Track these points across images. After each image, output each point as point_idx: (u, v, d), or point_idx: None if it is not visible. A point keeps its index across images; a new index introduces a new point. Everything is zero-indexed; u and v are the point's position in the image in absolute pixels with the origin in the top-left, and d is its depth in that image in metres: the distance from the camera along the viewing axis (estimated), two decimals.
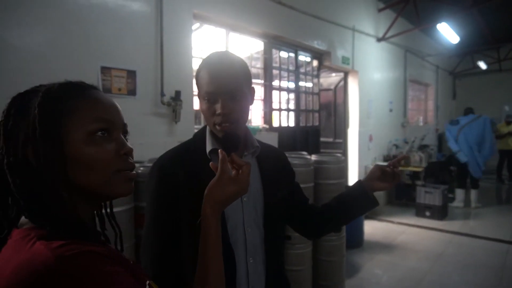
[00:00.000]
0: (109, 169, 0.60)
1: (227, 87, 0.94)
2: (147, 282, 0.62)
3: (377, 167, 1.17)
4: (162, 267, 0.98)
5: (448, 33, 6.39)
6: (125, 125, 0.66)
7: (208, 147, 1.02)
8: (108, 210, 0.71)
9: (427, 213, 5.44)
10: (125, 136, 0.65)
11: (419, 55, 7.89)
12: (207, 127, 1.06)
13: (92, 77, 2.32)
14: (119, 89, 2.47)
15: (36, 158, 0.55)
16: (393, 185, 1.16)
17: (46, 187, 0.56)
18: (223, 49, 1.07)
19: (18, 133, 0.56)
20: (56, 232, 0.54)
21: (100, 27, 2.36)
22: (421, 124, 8.70)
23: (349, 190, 1.21)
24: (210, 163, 0.84)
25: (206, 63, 0.98)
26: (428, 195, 5.43)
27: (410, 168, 6.19)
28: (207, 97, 0.95)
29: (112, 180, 0.60)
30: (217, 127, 0.96)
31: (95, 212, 0.69)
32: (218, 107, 0.94)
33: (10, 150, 0.56)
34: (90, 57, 2.31)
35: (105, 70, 2.38)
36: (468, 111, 6.25)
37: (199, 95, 1.00)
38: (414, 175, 6.25)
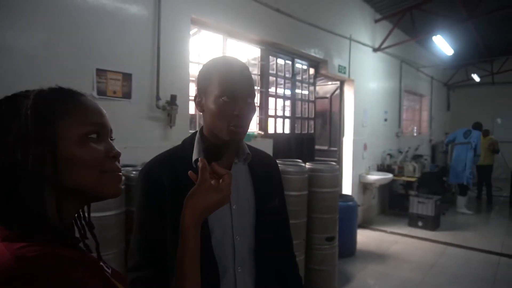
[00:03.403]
0: (99, 169, 0.62)
1: (248, 89, 0.96)
2: None
3: None
4: (147, 272, 0.97)
5: (443, 45, 6.47)
6: (111, 131, 0.68)
7: (194, 156, 1.01)
8: (87, 215, 0.70)
9: (420, 223, 5.46)
10: (111, 141, 0.68)
11: (414, 66, 7.97)
12: (197, 135, 1.05)
13: (87, 80, 2.30)
14: (114, 92, 2.45)
15: (25, 159, 0.56)
16: None
17: (28, 187, 0.56)
18: (229, 56, 1.06)
19: (6, 135, 0.57)
20: (25, 233, 0.53)
21: (97, 30, 2.34)
22: (415, 134, 8.76)
23: None
24: (189, 172, 0.83)
25: (222, 65, 0.98)
26: (421, 205, 5.46)
27: (404, 178, 6.22)
28: (226, 99, 0.93)
29: (102, 179, 0.62)
30: (232, 128, 0.94)
31: (75, 218, 0.68)
32: (236, 110, 0.93)
33: None
34: (86, 59, 2.29)
35: (100, 72, 2.36)
36: (477, 126, 6.89)
37: (209, 95, 0.97)
38: (408, 185, 6.28)
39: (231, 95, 0.94)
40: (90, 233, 0.70)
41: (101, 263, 0.68)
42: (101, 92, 2.37)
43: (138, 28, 2.60)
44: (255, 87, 3.89)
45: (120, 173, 0.67)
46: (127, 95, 2.53)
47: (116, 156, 0.66)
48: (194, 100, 1.03)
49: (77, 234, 0.69)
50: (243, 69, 0.98)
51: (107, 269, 0.68)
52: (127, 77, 2.52)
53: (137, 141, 2.57)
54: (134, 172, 2.15)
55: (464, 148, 6.62)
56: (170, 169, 1.00)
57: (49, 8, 2.11)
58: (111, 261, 1.86)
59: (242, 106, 0.94)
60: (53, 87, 0.64)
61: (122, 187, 2.05)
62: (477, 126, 6.88)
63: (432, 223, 5.39)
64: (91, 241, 0.70)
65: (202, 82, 0.99)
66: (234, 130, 0.95)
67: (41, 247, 0.51)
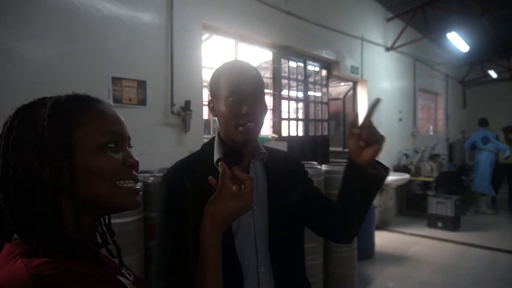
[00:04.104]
0: (116, 178, 0.60)
1: (254, 88, 0.98)
2: None
3: (352, 138, 0.98)
4: (171, 278, 0.97)
5: (458, 42, 6.35)
6: (129, 138, 0.67)
7: (216, 157, 1.02)
8: (107, 223, 0.70)
9: (439, 224, 5.34)
10: (129, 149, 0.66)
11: (428, 64, 7.84)
12: (216, 138, 1.07)
13: (103, 88, 2.34)
14: (130, 99, 2.48)
15: (41, 170, 0.55)
16: (379, 147, 0.99)
17: (44, 200, 0.55)
18: (236, 59, 1.07)
19: (22, 146, 0.55)
20: (43, 247, 0.52)
21: (111, 38, 2.39)
22: (431, 133, 8.60)
23: (347, 176, 1.04)
24: (209, 178, 0.82)
25: (228, 68, 1.01)
26: (440, 206, 5.33)
27: (421, 178, 6.10)
28: (234, 98, 0.96)
29: (118, 191, 0.60)
30: (240, 128, 0.96)
31: (96, 226, 0.68)
32: (244, 108, 0.95)
33: (11, 163, 0.55)
34: (101, 68, 2.33)
35: (116, 80, 2.40)
36: (482, 122, 6.66)
37: (219, 98, 1.00)
38: (425, 185, 6.15)
39: (238, 94, 0.96)
40: (111, 240, 0.69)
41: (123, 270, 0.68)
42: (117, 100, 2.40)
43: (151, 35, 2.63)
44: (268, 90, 3.87)
45: (137, 185, 0.65)
46: (142, 102, 2.56)
47: (133, 165, 0.63)
48: (208, 106, 1.06)
49: (98, 240, 0.69)
50: (249, 69, 1.01)
51: (129, 277, 0.67)
52: (141, 84, 2.55)
53: (153, 147, 2.59)
54: (151, 178, 2.17)
55: (484, 154, 6.53)
56: (192, 173, 1.01)
57: (63, 18, 2.16)
58: (130, 267, 1.87)
59: (250, 105, 0.96)
60: (70, 95, 0.63)
61: (140, 194, 2.07)
62: (482, 122, 6.71)
63: (452, 224, 5.27)
64: (112, 247, 0.70)
65: (213, 87, 1.03)
66: (244, 130, 0.96)
67: (59, 263, 0.50)
